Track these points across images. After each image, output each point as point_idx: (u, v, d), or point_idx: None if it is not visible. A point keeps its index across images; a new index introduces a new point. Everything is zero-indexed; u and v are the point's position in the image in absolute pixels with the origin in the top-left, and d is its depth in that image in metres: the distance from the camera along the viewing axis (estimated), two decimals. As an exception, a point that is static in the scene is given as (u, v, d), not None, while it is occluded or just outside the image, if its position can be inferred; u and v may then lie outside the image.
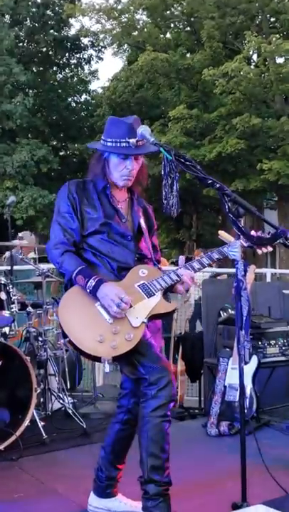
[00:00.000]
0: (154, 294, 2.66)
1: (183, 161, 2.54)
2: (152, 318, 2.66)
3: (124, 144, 2.66)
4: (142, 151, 2.68)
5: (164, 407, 2.53)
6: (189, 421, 4.97)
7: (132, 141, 2.63)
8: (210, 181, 2.56)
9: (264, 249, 2.76)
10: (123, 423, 2.84)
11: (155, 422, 2.53)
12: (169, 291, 2.78)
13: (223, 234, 2.86)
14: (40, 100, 29.02)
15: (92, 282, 2.55)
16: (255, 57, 24.15)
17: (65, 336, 2.53)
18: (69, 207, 2.72)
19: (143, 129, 2.60)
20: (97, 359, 2.52)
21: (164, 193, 2.57)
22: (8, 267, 5.17)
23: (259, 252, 2.77)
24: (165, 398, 2.53)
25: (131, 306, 2.55)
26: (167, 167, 2.53)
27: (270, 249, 2.77)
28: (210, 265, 2.85)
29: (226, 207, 2.61)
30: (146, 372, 2.54)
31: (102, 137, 2.75)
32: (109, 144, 2.70)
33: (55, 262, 2.66)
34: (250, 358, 4.37)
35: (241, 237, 2.67)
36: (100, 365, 6.02)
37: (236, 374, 4.25)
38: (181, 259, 2.83)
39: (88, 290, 2.55)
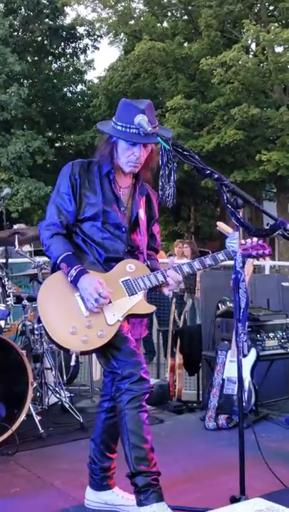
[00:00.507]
0: (136, 293, 2.67)
1: (181, 150, 2.53)
2: (129, 317, 2.67)
3: (133, 131, 2.63)
4: (151, 140, 2.63)
5: (137, 398, 2.54)
6: (187, 414, 4.99)
7: (150, 129, 2.59)
8: (208, 171, 2.55)
9: (266, 259, 2.77)
10: (108, 411, 2.86)
11: (132, 414, 2.54)
12: (152, 291, 2.78)
13: (221, 225, 2.86)
14: (36, 90, 28.92)
15: (73, 272, 2.56)
16: (253, 46, 24.09)
17: (39, 321, 2.54)
18: (69, 188, 2.72)
19: (140, 119, 2.59)
20: (66, 350, 2.55)
21: (160, 184, 2.56)
22: (3, 260, 5.16)
23: (256, 262, 2.78)
24: (138, 390, 2.54)
25: (110, 302, 2.56)
26: (165, 157, 2.53)
27: (268, 259, 2.77)
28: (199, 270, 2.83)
29: (225, 197, 2.61)
30: (119, 366, 2.56)
31: (113, 119, 2.71)
32: (118, 127, 2.67)
33: (44, 244, 2.69)
34: (248, 351, 4.38)
35: (240, 229, 2.67)
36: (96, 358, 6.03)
37: (235, 367, 4.28)
38: (171, 260, 2.82)
39: (69, 279, 2.57)
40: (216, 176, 2.57)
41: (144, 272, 2.72)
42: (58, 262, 2.61)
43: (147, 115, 2.60)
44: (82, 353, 2.56)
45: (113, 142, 2.75)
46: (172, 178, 2.55)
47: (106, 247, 2.71)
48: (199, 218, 35.29)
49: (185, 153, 2.56)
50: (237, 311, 2.68)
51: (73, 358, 2.50)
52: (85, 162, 2.82)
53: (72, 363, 2.54)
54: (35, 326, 4.60)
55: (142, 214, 2.87)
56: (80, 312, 2.55)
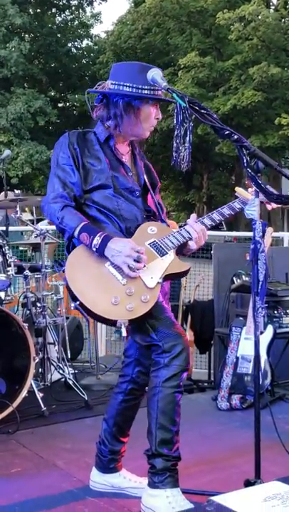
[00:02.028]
0: (167, 253, 2.65)
1: (197, 108, 2.48)
2: (167, 278, 2.65)
3: (159, 92, 2.64)
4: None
5: (176, 377, 2.54)
6: (198, 394, 5.02)
7: (165, 84, 2.58)
8: (227, 132, 2.50)
9: (273, 205, 2.74)
10: (127, 393, 2.86)
11: (167, 393, 2.54)
12: (179, 252, 2.77)
13: (240, 191, 2.82)
14: (38, 46, 28.67)
15: (98, 239, 2.50)
16: (275, -1, 23.69)
17: (74, 299, 2.51)
18: (69, 158, 2.68)
19: (155, 73, 2.55)
20: (112, 323, 2.50)
21: (174, 145, 2.52)
22: (3, 228, 5.16)
23: (268, 207, 2.76)
24: (178, 367, 2.53)
25: (144, 266, 2.55)
26: (180, 115, 2.48)
27: (274, 206, 2.75)
28: (220, 222, 2.85)
29: (244, 161, 2.56)
30: (159, 338, 2.54)
31: (133, 84, 2.64)
32: (146, 92, 2.63)
33: (54, 217, 2.60)
34: (265, 328, 4.38)
35: (261, 195, 2.63)
36: (103, 334, 6.08)
37: (250, 345, 4.31)
38: (193, 217, 2.80)
39: (94, 249, 2.51)
40: (235, 136, 2.53)
41: (166, 231, 2.71)
42: (77, 233, 2.54)
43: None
44: (130, 322, 2.53)
45: (137, 108, 2.68)
46: (188, 138, 2.51)
47: (123, 215, 2.68)
48: (212, 187, 35.19)
49: (202, 111, 2.51)
50: (255, 284, 2.66)
51: (123, 329, 2.48)
52: (80, 132, 2.79)
53: (124, 334, 2.51)
54: (39, 298, 4.62)
55: (147, 179, 2.86)
56: (116, 281, 2.51)
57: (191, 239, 2.70)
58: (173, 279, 2.80)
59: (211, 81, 23.66)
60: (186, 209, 40.85)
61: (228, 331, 4.58)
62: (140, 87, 2.63)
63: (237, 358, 4.42)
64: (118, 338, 7.82)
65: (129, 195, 2.73)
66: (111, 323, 2.52)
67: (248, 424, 3.96)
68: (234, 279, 5.22)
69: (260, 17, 21.00)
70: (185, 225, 2.75)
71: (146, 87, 2.63)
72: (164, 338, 2.54)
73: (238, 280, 5.17)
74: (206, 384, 5.38)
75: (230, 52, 24.11)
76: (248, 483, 2.62)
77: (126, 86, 2.66)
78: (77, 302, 2.48)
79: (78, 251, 2.58)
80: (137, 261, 2.49)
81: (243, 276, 5.16)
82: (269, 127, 22.53)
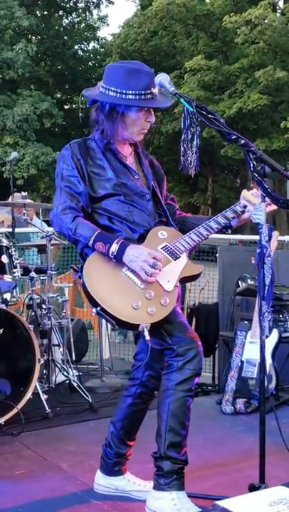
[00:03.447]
0: (180, 256, 2.67)
1: (205, 113, 2.49)
2: (181, 281, 2.68)
3: (149, 96, 2.59)
4: (168, 103, 2.61)
5: (189, 381, 2.56)
6: (202, 397, 5.01)
7: (155, 91, 2.58)
8: (234, 137, 2.51)
9: (274, 206, 2.75)
10: (136, 397, 2.86)
11: (178, 396, 2.55)
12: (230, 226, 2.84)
13: (246, 195, 2.82)
14: (44, 48, 28.73)
15: (115, 246, 2.50)
16: (281, 3, 23.71)
17: (94, 305, 2.51)
18: (74, 169, 2.67)
19: (162, 78, 2.55)
20: (134, 327, 2.51)
21: (182, 149, 2.53)
22: (10, 229, 5.17)
23: (269, 208, 2.76)
24: (191, 372, 2.55)
25: (160, 271, 2.56)
26: (187, 120, 2.49)
27: (275, 207, 2.75)
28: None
29: (251, 165, 2.57)
30: (174, 342, 2.56)
31: (117, 89, 2.62)
32: (130, 97, 2.60)
33: (66, 229, 2.58)
34: (270, 332, 4.37)
35: (266, 198, 2.64)
36: (108, 336, 6.06)
37: (255, 348, 4.30)
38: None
39: (112, 256, 2.51)
40: (242, 141, 2.54)
41: (176, 235, 2.74)
42: (91, 242, 2.53)
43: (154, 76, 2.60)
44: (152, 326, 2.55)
45: (121, 114, 2.66)
46: (195, 143, 2.53)
47: (135, 222, 2.68)
48: (217, 190, 35.17)
49: (209, 116, 2.52)
50: (261, 289, 2.67)
51: (146, 332, 2.49)
52: (81, 141, 2.78)
53: (147, 338, 2.51)
54: (44, 299, 4.63)
55: (153, 177, 2.88)
56: (135, 286, 2.53)
57: (201, 241, 2.75)
58: (186, 282, 2.83)
59: (216, 84, 23.67)
60: (191, 211, 40.67)
61: (233, 334, 4.58)
62: (124, 92, 2.60)
63: (242, 362, 4.41)
64: (122, 341, 7.83)
65: (139, 200, 2.73)
66: (133, 327, 2.53)
67: (252, 429, 3.96)
68: (239, 282, 5.21)
69: (266, 21, 20.99)
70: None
71: (130, 91, 2.60)
72: (179, 342, 2.56)
73: (244, 284, 5.16)
74: (210, 387, 5.38)
75: (236, 55, 24.11)
76: (252, 488, 2.61)
77: (111, 90, 2.64)
78: (98, 308, 2.48)
79: (94, 258, 2.58)
80: (153, 267, 2.50)
81: (249, 280, 5.15)
82: (274, 131, 22.53)
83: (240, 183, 31.82)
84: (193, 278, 2.78)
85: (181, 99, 2.49)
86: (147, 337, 2.48)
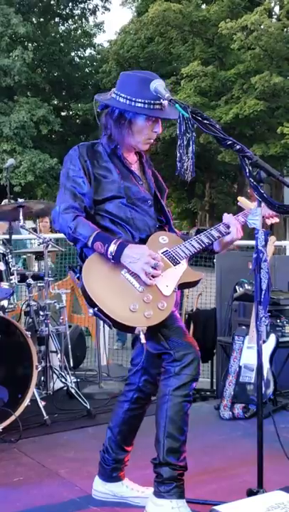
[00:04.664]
0: (180, 262, 2.68)
1: (200, 119, 2.50)
2: (180, 287, 2.68)
3: (157, 107, 2.61)
4: (175, 116, 2.58)
5: (186, 386, 2.56)
6: (201, 403, 5.01)
7: (165, 102, 2.58)
8: (229, 142, 2.52)
9: (272, 220, 2.77)
10: (132, 402, 2.87)
11: (176, 401, 2.55)
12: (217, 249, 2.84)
13: (242, 200, 2.84)
14: (41, 54, 28.80)
15: (113, 247, 2.51)
16: (277, 9, 23.80)
17: (91, 305, 2.51)
18: (80, 170, 2.69)
19: (158, 84, 2.56)
20: (130, 330, 2.51)
21: (178, 155, 2.54)
22: (6, 236, 5.18)
23: (268, 222, 2.77)
24: (188, 377, 2.55)
25: (160, 272, 2.57)
26: (183, 126, 2.50)
27: (274, 220, 2.77)
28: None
29: (247, 171, 2.58)
30: (171, 347, 2.57)
31: (127, 96, 2.64)
32: (139, 104, 2.61)
33: (67, 227, 2.59)
34: (267, 337, 4.38)
35: (263, 204, 2.65)
36: (106, 343, 6.07)
37: (252, 354, 4.31)
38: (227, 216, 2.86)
39: (110, 256, 2.51)
40: (237, 147, 2.55)
41: (177, 241, 2.75)
42: (91, 242, 2.54)
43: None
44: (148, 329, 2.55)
45: (129, 121, 2.69)
46: (191, 148, 2.53)
47: (136, 225, 2.69)
48: (215, 195, 35.23)
49: (205, 121, 2.53)
50: (258, 293, 2.68)
51: (142, 336, 2.49)
52: (88, 143, 2.80)
53: (143, 341, 2.51)
54: (41, 306, 4.63)
55: (156, 188, 2.89)
56: (133, 288, 2.53)
57: (200, 250, 2.75)
58: (185, 288, 2.83)
59: (213, 90, 23.73)
60: (188, 217, 40.86)
61: (231, 339, 4.58)
62: (134, 99, 2.62)
63: (240, 367, 4.42)
64: (120, 347, 7.82)
65: (141, 205, 2.74)
66: (129, 329, 2.53)
67: (250, 434, 3.96)
68: (236, 287, 5.22)
69: (262, 26, 21.07)
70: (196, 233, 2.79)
71: (140, 100, 2.62)
72: (176, 347, 2.56)
73: (241, 289, 5.17)
74: (208, 393, 5.38)
75: (232, 61, 24.19)
76: (250, 493, 2.62)
77: (122, 97, 2.66)
78: (96, 308, 2.49)
79: (93, 258, 2.59)
80: (154, 268, 2.51)
81: (246, 285, 5.16)
82: (271, 136, 22.58)
83: (237, 188, 31.85)
84: (192, 284, 2.78)
85: (176, 105, 2.50)
86: (143, 340, 2.48)
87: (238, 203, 2.85)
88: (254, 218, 2.67)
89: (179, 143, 2.53)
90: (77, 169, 2.70)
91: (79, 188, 2.68)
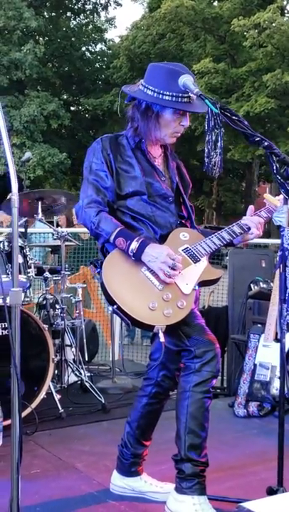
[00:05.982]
0: (200, 260, 2.67)
1: (229, 115, 2.49)
2: (200, 284, 2.68)
3: (185, 100, 2.60)
4: (203, 108, 2.58)
5: (206, 383, 2.57)
6: (215, 400, 4.96)
7: (193, 95, 2.57)
8: (258, 139, 2.52)
9: None
10: (151, 397, 2.87)
11: (197, 398, 2.56)
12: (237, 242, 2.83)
13: (268, 197, 2.82)
14: (52, 49, 28.79)
15: (135, 244, 2.50)
16: (290, 7, 23.70)
17: (111, 303, 2.51)
18: (103, 164, 2.68)
19: (186, 79, 2.55)
20: (149, 327, 2.52)
21: (206, 150, 2.54)
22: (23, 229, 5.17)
23: None
24: (209, 373, 2.56)
25: (179, 273, 2.55)
26: (212, 121, 2.49)
27: None
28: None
29: (274, 168, 2.57)
30: (191, 344, 2.57)
31: (155, 88, 2.63)
32: (167, 98, 2.60)
33: (90, 222, 2.59)
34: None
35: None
36: (117, 338, 6.07)
37: (268, 352, 4.30)
38: (250, 208, 2.85)
39: (131, 254, 2.51)
40: (266, 143, 2.54)
41: (198, 237, 2.73)
42: (113, 238, 2.54)
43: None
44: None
45: (156, 114, 2.67)
46: (219, 144, 2.53)
47: (158, 222, 2.68)
48: (222, 193, 35.18)
49: (234, 117, 2.52)
50: (282, 291, 2.67)
51: (160, 334, 2.49)
52: (112, 136, 2.78)
53: (162, 340, 2.50)
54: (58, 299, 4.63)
55: (179, 182, 2.87)
56: (153, 286, 2.52)
57: (222, 246, 2.74)
58: (204, 286, 2.80)
59: (224, 87, 23.68)
60: (196, 215, 40.75)
61: (246, 337, 4.57)
62: (162, 92, 2.61)
63: (255, 365, 4.41)
64: (129, 342, 7.83)
65: (162, 202, 2.73)
66: (148, 327, 2.53)
67: (265, 432, 3.97)
68: (251, 285, 5.21)
69: (274, 24, 21.00)
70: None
71: (167, 92, 2.60)
72: (196, 344, 2.57)
73: (256, 287, 5.16)
74: (218, 390, 5.37)
75: (244, 59, 24.14)
76: (270, 491, 2.62)
77: (149, 89, 2.65)
78: (115, 306, 2.48)
79: (114, 254, 2.58)
80: (173, 268, 2.50)
81: (261, 283, 5.15)
82: (282, 134, 22.52)
83: (245, 186, 31.80)
84: (212, 282, 2.77)
85: (206, 101, 2.49)
86: (162, 339, 2.48)
87: (264, 200, 2.84)
88: (280, 216, 2.66)
89: (207, 138, 2.53)
90: (100, 162, 2.69)
91: (102, 182, 2.67)
